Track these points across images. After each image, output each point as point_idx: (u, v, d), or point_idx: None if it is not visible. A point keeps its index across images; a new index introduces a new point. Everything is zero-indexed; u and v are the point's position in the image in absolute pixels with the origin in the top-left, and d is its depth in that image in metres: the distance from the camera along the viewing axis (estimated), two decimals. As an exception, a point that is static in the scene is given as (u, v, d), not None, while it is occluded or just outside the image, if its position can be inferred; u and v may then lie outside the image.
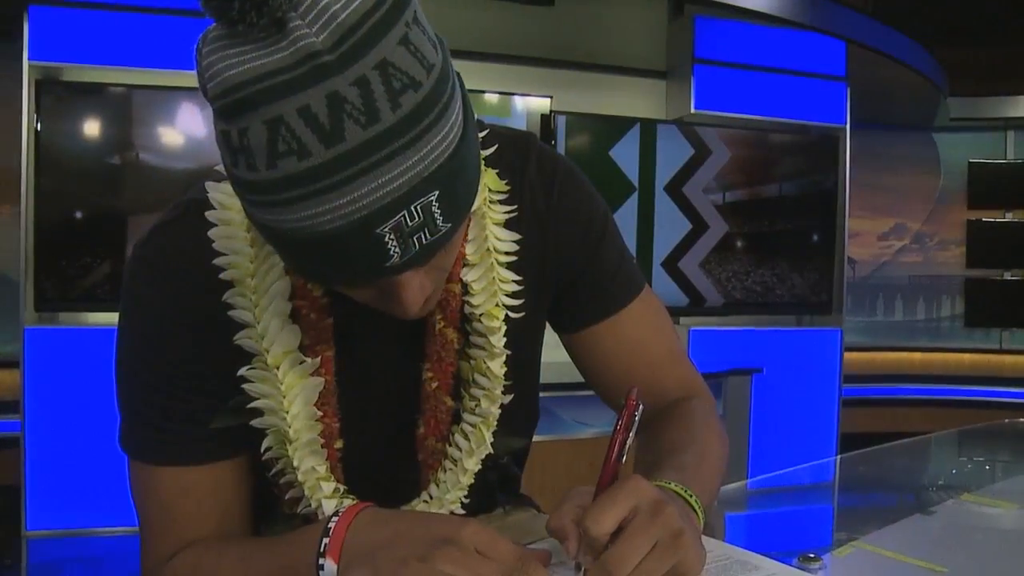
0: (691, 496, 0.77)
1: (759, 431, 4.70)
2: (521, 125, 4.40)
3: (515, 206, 0.89)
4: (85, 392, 3.66)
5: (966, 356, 6.43)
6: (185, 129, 3.80)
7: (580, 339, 0.99)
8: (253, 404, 0.81)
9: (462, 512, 0.92)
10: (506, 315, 0.89)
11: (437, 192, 0.64)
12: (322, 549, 0.71)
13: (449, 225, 0.66)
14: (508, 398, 0.91)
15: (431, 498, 0.91)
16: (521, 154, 0.93)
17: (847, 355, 5.03)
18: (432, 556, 0.65)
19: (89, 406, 3.67)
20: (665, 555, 0.66)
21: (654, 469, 0.80)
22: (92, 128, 3.70)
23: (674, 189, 4.63)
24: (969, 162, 6.46)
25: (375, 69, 0.60)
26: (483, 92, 4.34)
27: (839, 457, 1.37)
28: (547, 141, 4.37)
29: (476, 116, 0.78)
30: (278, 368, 0.80)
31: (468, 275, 0.88)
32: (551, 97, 4.43)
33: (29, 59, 3.58)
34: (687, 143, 4.62)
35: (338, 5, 0.60)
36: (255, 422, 0.82)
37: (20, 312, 3.65)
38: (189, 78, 3.33)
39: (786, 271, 4.90)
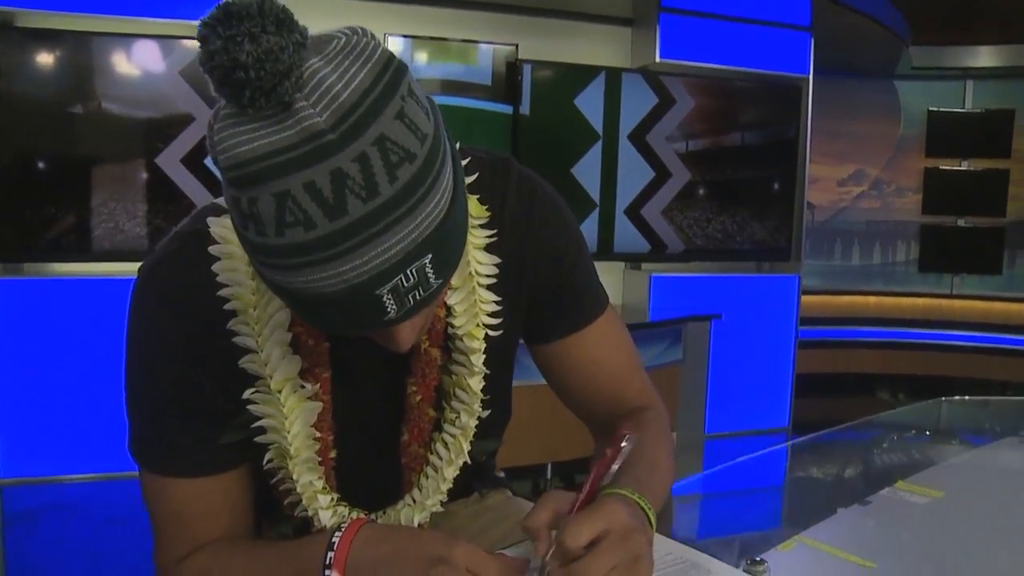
0: (648, 508, 0.86)
1: (717, 375, 4.84)
2: (487, 72, 4.40)
3: (495, 230, 0.95)
4: (51, 341, 3.69)
5: (919, 300, 6.60)
6: (147, 77, 3.76)
7: (548, 350, 1.06)
8: (257, 424, 0.88)
9: (442, 509, 1.01)
10: (486, 334, 0.96)
11: (430, 255, 0.70)
12: (328, 562, 0.80)
13: (440, 281, 0.72)
14: (486, 413, 0.99)
15: (414, 501, 0.99)
16: (501, 179, 0.98)
17: (804, 298, 5.15)
18: (428, 574, 0.74)
19: (56, 355, 3.70)
20: (623, 575, 0.75)
21: (613, 479, 0.88)
22: (51, 76, 3.65)
23: (638, 137, 4.67)
24: (928, 111, 6.54)
25: (374, 145, 0.65)
26: (448, 40, 4.33)
27: (789, 444, 1.45)
28: (513, 89, 4.37)
29: (457, 144, 0.84)
30: (280, 392, 0.87)
31: (451, 298, 0.94)
32: (516, 45, 4.42)
33: (-17, 5, 3.51)
34: (651, 92, 4.65)
35: (339, 85, 0.65)
36: (258, 439, 0.89)
37: (-16, 263, 3.65)
38: (150, 25, 3.30)
39: (746, 219, 4.99)
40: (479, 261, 0.94)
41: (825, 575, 0.98)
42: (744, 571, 0.90)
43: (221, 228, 0.86)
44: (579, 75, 4.52)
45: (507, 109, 4.41)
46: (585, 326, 1.05)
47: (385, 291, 0.69)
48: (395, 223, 0.67)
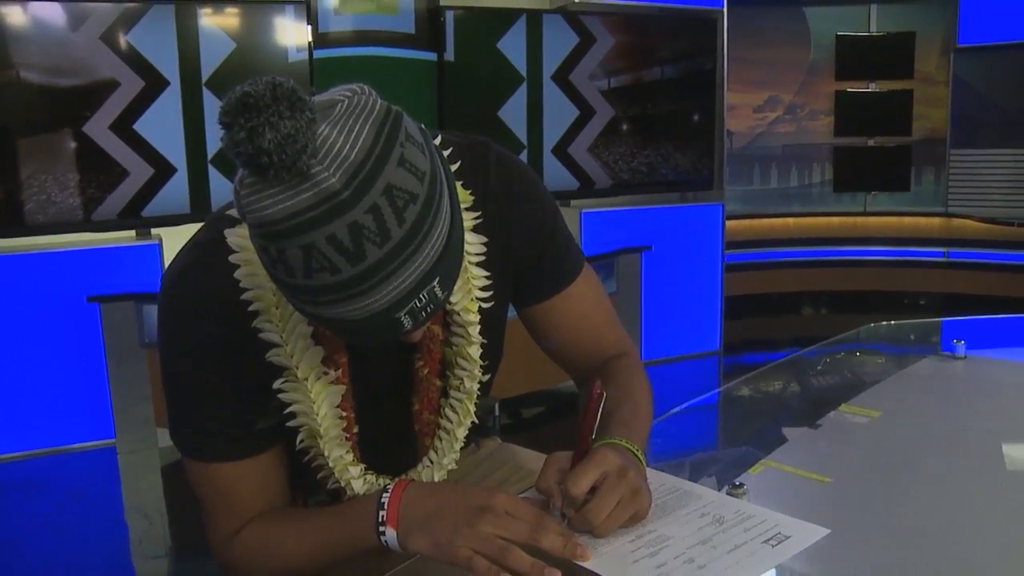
0: (636, 449, 1.00)
1: (650, 304, 5.02)
2: (409, 22, 4.42)
3: (479, 212, 1.05)
4: (13, 318, 3.68)
5: (835, 219, 6.86)
6: (65, 43, 3.68)
7: (534, 311, 1.18)
8: (288, 410, 0.99)
9: (456, 467, 1.13)
10: (479, 307, 1.07)
11: (437, 278, 0.81)
12: (381, 519, 0.90)
13: (447, 294, 0.83)
14: (486, 377, 1.11)
15: (431, 462, 1.11)
16: (481, 162, 1.08)
17: (728, 223, 5.32)
18: (476, 521, 0.86)
19: (23, 330, 3.68)
20: (627, 507, 0.91)
21: (602, 426, 1.01)
22: (-34, 48, 3.56)
23: (561, 77, 4.76)
24: (836, 35, 6.73)
25: (382, 195, 0.75)
26: (369, -10, 4.32)
27: (743, 379, 1.59)
28: (436, 36, 4.40)
29: (438, 138, 0.98)
30: (307, 380, 0.98)
31: None
32: (438, -9, 4.44)
33: None
34: (572, 31, 4.73)
35: (347, 147, 0.74)
36: (290, 423, 1.00)
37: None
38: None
39: (669, 151, 5.14)
40: (468, 242, 1.04)
41: (790, 491, 1.14)
42: (728, 494, 1.03)
43: (237, 237, 0.95)
44: (501, 19, 4.57)
45: (432, 56, 4.45)
46: (566, 286, 1.17)
47: (402, 314, 0.80)
48: (406, 260, 0.77)
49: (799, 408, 1.58)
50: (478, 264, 1.06)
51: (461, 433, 1.11)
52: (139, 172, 3.86)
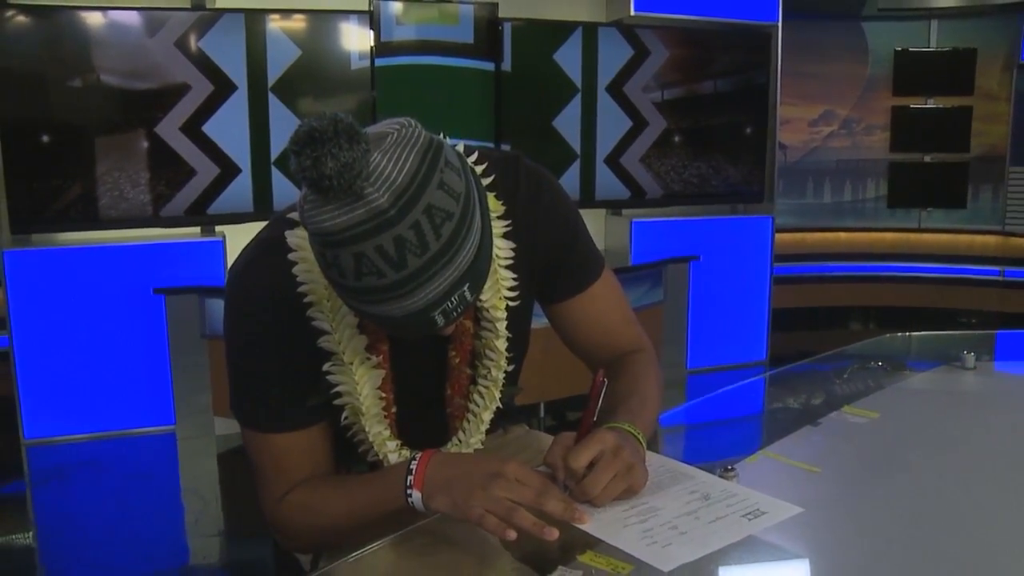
0: (638, 433, 1.12)
1: (697, 314, 5.08)
2: (468, 32, 4.54)
3: (509, 220, 1.18)
4: (64, 306, 3.89)
5: (888, 235, 6.82)
6: (142, 49, 3.88)
7: (559, 309, 1.31)
8: (335, 390, 1.14)
9: (482, 447, 1.27)
10: (507, 305, 1.20)
11: (468, 284, 0.96)
12: (408, 483, 1.03)
13: (476, 296, 0.97)
14: (511, 367, 1.25)
15: (460, 442, 1.25)
16: (512, 174, 1.21)
17: (779, 236, 5.36)
18: (489, 485, 0.98)
19: (69, 319, 3.90)
20: (621, 481, 1.03)
21: (611, 413, 1.14)
22: (48, 52, 3.77)
23: (615, 89, 4.85)
24: (895, 50, 6.70)
25: (423, 213, 0.89)
26: (431, 1, 4.46)
27: (766, 374, 1.69)
28: (494, 47, 4.52)
29: (475, 154, 1.15)
30: (352, 364, 1.12)
31: None
32: (496, 3, 4.56)
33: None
34: (627, 44, 4.82)
35: (395, 172, 0.88)
36: (336, 402, 1.14)
37: (-2, 235, 3.81)
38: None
39: (721, 163, 5.19)
40: (499, 247, 1.18)
41: (780, 478, 1.24)
42: (719, 476, 1.14)
43: (296, 238, 1.10)
44: (557, 31, 4.68)
45: (490, 66, 4.57)
46: (588, 287, 1.30)
47: (436, 313, 0.95)
48: (442, 268, 0.92)
49: (809, 408, 1.66)
50: (507, 267, 1.19)
51: (487, 416, 1.25)
52: (206, 172, 4.05)
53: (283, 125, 4.10)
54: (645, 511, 1.03)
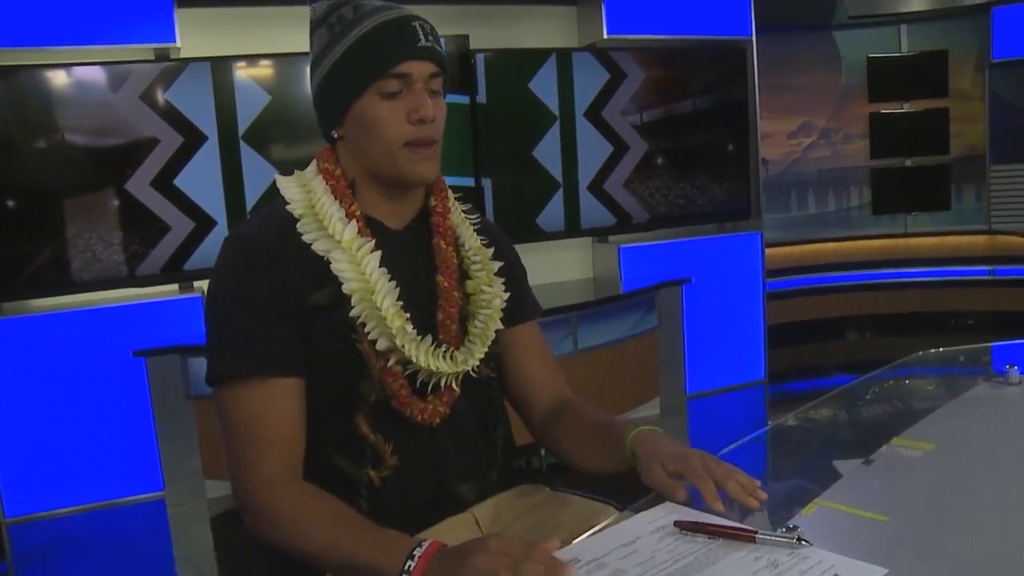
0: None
1: (693, 337, 4.98)
2: (440, 66, 4.44)
3: (479, 222, 1.42)
4: (41, 375, 3.73)
5: (875, 242, 6.78)
6: (106, 105, 3.75)
7: (513, 333, 1.42)
8: (344, 289, 1.22)
9: (474, 376, 1.32)
10: (489, 256, 1.38)
11: (429, 25, 1.26)
12: (408, 568, 0.96)
13: (441, 50, 1.26)
14: (507, 295, 1.36)
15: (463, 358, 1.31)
16: (477, 210, 1.47)
17: (768, 251, 5.28)
18: (471, 560, 0.92)
19: (47, 387, 3.73)
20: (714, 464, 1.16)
21: (620, 436, 1.26)
22: (10, 113, 3.64)
23: (593, 114, 4.76)
24: (868, 57, 6.69)
25: None
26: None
27: (792, 413, 1.55)
28: (467, 79, 4.43)
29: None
30: (351, 246, 1.23)
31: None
32: (467, 36, 4.47)
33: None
34: (602, 68, 4.74)
35: None
36: (344, 289, 1.22)
37: (-35, 306, 3.65)
38: (102, 52, 3.31)
39: (705, 182, 5.11)
40: (466, 212, 1.40)
41: (845, 532, 1.09)
42: (782, 536, 1.00)
43: (285, 183, 1.30)
44: (530, 59, 4.60)
45: (464, 99, 4.47)
46: (533, 318, 1.48)
47: (416, 24, 1.23)
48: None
49: (850, 441, 1.54)
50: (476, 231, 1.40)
51: (490, 331, 1.32)
52: (180, 227, 3.90)
53: (257, 173, 3.95)
54: None
